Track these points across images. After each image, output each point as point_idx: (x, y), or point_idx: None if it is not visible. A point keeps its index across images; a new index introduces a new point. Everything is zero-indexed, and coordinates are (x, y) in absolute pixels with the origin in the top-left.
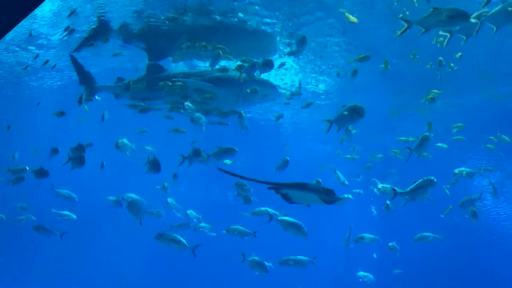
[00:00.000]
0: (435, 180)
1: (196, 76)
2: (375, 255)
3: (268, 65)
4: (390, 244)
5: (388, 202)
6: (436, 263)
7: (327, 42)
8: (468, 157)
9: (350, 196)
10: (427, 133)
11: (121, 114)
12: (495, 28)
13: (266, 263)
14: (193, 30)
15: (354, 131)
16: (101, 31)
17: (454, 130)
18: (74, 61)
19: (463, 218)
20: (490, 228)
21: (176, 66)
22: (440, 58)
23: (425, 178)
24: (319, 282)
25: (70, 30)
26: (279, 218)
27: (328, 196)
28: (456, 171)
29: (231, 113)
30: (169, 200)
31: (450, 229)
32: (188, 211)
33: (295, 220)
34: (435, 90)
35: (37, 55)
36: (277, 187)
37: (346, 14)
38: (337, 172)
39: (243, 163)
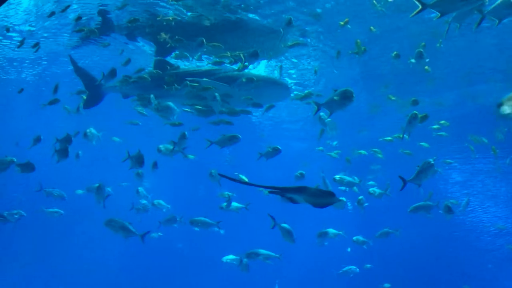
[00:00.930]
0: (433, 162)
1: (208, 75)
2: (349, 249)
3: (254, 56)
4: (354, 238)
5: (360, 197)
6: (406, 257)
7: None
8: (445, 152)
9: (344, 199)
10: (415, 111)
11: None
12: (497, 21)
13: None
14: (203, 27)
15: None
16: (104, 26)
17: (435, 127)
18: (74, 65)
19: (435, 214)
20: (458, 223)
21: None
22: (421, 49)
23: (424, 161)
24: (294, 277)
25: (36, 47)
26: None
27: (328, 198)
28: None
29: (243, 112)
30: (140, 189)
31: (423, 224)
32: (155, 201)
33: (290, 228)
34: (391, 96)
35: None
36: (279, 192)
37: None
38: (326, 180)
39: (228, 161)
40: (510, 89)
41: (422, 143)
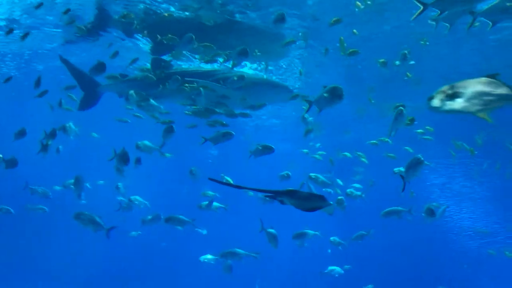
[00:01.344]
0: (422, 158)
1: (206, 76)
2: (329, 250)
3: (243, 54)
4: (331, 238)
5: (340, 197)
6: (385, 259)
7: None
8: (427, 156)
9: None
10: (401, 107)
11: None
12: (491, 24)
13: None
14: (202, 27)
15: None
16: (101, 21)
17: (419, 131)
18: (67, 64)
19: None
20: (436, 225)
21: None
22: (405, 51)
23: (413, 157)
24: (276, 277)
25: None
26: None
27: (318, 202)
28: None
29: (241, 115)
30: (119, 184)
31: (400, 225)
32: (132, 197)
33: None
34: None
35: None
36: (271, 195)
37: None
38: (310, 185)
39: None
40: None
41: (407, 148)
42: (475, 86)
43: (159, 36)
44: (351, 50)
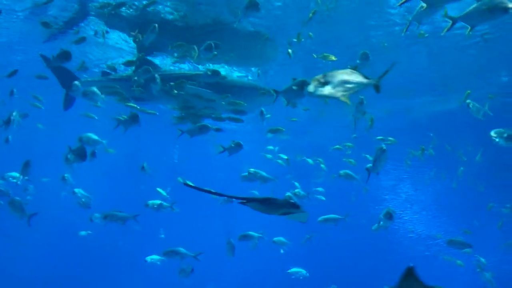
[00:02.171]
0: (385, 147)
1: (193, 79)
2: (282, 251)
3: (209, 50)
4: (275, 239)
5: (288, 193)
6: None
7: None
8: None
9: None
10: (362, 96)
11: None
12: (469, 28)
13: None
14: (188, 29)
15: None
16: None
17: (379, 137)
18: (47, 62)
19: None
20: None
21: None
22: (366, 51)
23: (376, 149)
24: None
25: None
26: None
27: (294, 210)
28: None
29: (228, 119)
30: (66, 175)
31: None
32: (76, 190)
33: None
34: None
35: None
36: (245, 201)
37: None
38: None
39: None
40: (442, 103)
41: (366, 155)
42: (340, 75)
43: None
44: (324, 54)
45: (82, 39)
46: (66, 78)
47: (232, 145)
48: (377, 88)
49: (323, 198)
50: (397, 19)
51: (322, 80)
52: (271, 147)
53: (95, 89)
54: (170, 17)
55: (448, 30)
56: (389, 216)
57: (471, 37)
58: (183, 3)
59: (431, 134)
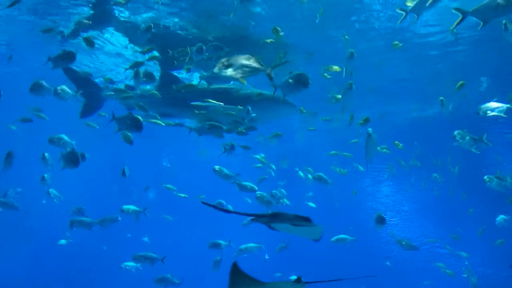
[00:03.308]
0: (370, 130)
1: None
2: (267, 256)
3: (199, 52)
4: (241, 246)
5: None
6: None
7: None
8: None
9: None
10: (351, 81)
11: None
12: (481, 24)
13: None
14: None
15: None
16: (101, 17)
17: (353, 140)
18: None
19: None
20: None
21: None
22: (351, 50)
23: (366, 136)
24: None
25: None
26: None
27: (304, 223)
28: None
29: (248, 129)
30: (45, 175)
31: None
32: (50, 190)
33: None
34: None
35: None
36: (259, 219)
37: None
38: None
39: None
40: (422, 110)
41: (358, 166)
42: (240, 60)
43: (170, 51)
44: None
45: (91, 43)
46: (84, 85)
47: (227, 147)
48: (269, 76)
49: (313, 205)
50: (376, 25)
51: (226, 63)
52: (258, 156)
53: (65, 87)
54: (182, 32)
55: (458, 24)
56: (381, 220)
57: (453, 45)
58: (198, 16)
59: (415, 143)
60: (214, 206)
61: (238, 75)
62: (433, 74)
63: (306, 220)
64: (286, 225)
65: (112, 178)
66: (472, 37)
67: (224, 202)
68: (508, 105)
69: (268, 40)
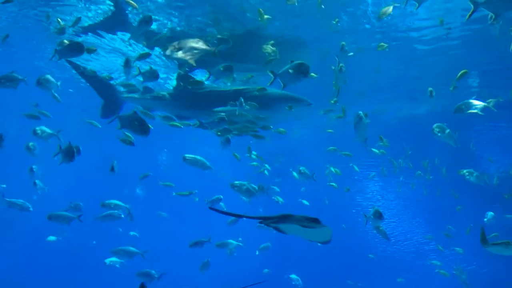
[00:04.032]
0: (361, 113)
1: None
2: (257, 252)
3: (228, 70)
4: (217, 243)
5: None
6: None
7: None
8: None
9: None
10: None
11: None
12: (493, 16)
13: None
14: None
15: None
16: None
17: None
18: (77, 69)
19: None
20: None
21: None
22: (343, 43)
23: (356, 119)
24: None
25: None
26: None
27: (313, 224)
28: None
29: (263, 128)
30: (34, 167)
31: None
32: (37, 181)
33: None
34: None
35: None
36: (266, 221)
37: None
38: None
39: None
40: (413, 108)
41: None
42: (190, 43)
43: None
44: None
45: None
46: (102, 87)
47: (223, 140)
48: (214, 54)
49: (307, 203)
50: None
51: (176, 46)
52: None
53: (49, 76)
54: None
55: (470, 16)
56: (379, 215)
57: (442, 40)
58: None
59: (404, 144)
60: (223, 212)
61: (188, 57)
62: (423, 72)
63: (315, 221)
64: (295, 226)
65: (105, 174)
66: (463, 34)
67: (222, 196)
68: (485, 103)
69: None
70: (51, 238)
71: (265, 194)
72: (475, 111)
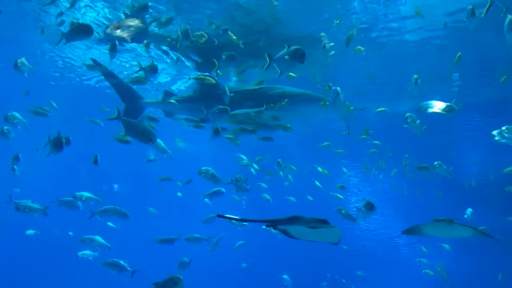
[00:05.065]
0: (338, 88)
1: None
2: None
3: (231, 59)
4: (186, 236)
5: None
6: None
7: None
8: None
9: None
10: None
11: None
12: (504, 9)
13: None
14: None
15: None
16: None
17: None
18: (106, 73)
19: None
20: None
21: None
22: (330, 43)
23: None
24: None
25: None
26: None
27: (321, 225)
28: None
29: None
30: (19, 155)
31: None
32: (15, 167)
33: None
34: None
35: None
36: (273, 224)
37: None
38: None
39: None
40: (396, 107)
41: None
42: (127, 22)
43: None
44: None
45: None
46: (125, 92)
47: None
48: (145, 30)
49: (293, 199)
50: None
51: (116, 25)
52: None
53: (23, 59)
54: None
55: (487, 10)
56: (370, 206)
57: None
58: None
59: (388, 144)
60: (231, 218)
61: (125, 34)
62: (405, 70)
63: (323, 222)
64: (303, 228)
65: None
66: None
67: (224, 190)
68: (448, 103)
69: None
70: (30, 232)
71: (245, 185)
72: (437, 111)
